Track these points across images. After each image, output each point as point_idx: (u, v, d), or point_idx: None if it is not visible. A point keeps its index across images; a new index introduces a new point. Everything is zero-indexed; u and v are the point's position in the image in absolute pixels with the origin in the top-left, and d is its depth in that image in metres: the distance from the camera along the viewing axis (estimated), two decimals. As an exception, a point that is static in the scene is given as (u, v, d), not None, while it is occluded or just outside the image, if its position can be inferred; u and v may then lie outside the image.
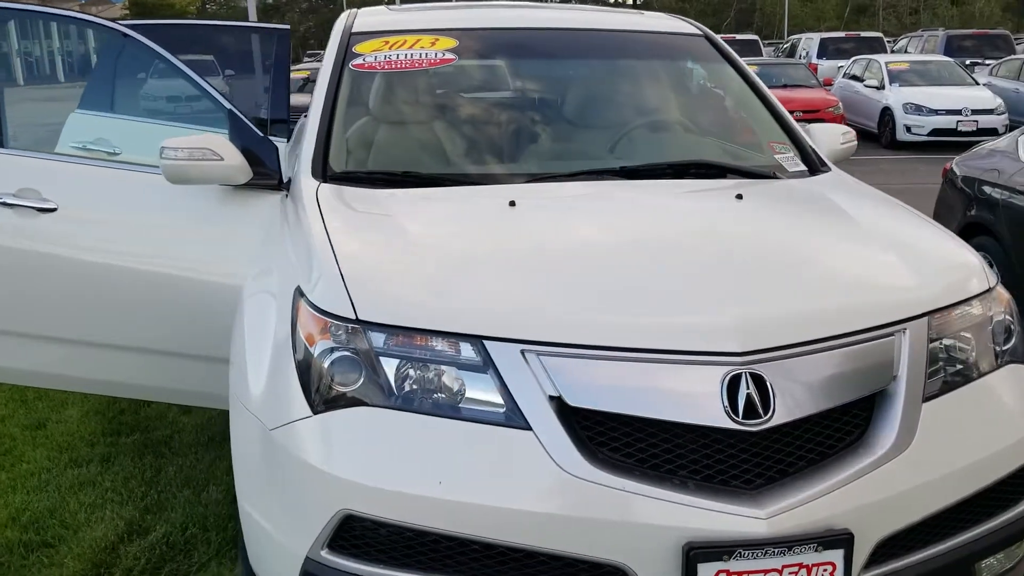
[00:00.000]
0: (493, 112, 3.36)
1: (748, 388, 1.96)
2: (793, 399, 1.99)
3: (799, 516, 1.92)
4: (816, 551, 1.91)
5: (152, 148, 3.63)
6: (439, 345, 2.08)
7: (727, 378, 1.97)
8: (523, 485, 1.96)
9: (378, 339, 2.10)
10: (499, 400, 2.01)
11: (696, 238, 2.49)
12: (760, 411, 1.95)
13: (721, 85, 3.67)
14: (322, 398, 2.10)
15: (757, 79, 3.58)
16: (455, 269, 2.28)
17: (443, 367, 2.06)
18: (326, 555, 2.05)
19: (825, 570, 1.93)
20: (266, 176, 3.17)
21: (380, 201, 2.74)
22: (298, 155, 3.10)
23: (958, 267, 2.42)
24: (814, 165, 3.23)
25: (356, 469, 2.02)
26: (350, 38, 3.40)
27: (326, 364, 2.11)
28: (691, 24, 3.79)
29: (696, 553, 1.87)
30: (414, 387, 2.07)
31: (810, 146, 3.32)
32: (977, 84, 16.08)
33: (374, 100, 3.36)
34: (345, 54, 3.34)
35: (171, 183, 3.06)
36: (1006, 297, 2.44)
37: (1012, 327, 2.39)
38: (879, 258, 2.39)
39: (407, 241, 2.44)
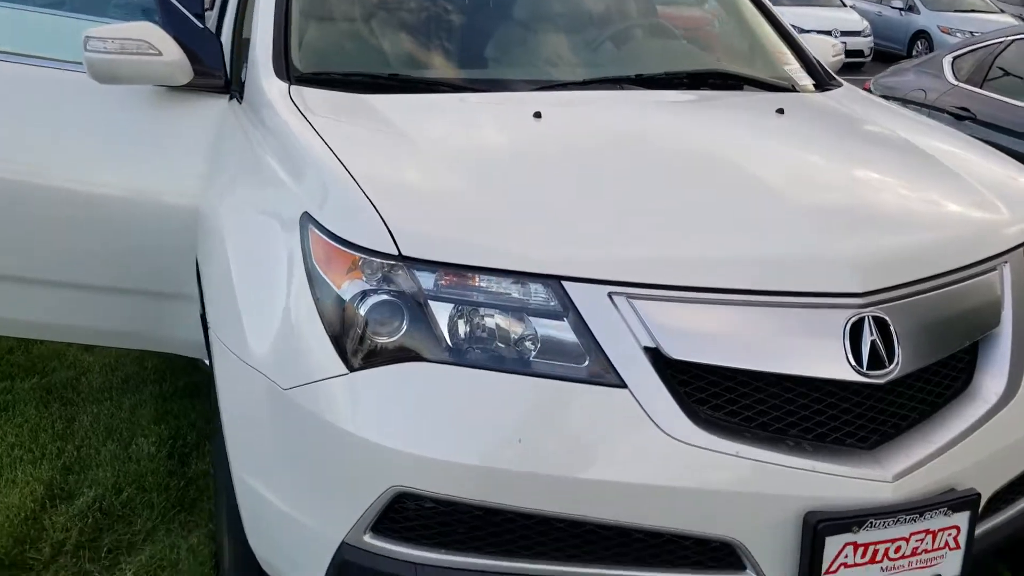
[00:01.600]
0: (487, 7, 2.91)
1: (872, 334, 1.71)
2: (914, 345, 1.75)
3: (924, 477, 1.70)
4: (945, 515, 1.71)
5: (48, 41, 3.03)
6: (504, 287, 1.71)
7: (849, 323, 1.70)
8: (618, 452, 1.65)
9: (427, 280, 1.72)
10: (581, 352, 1.68)
11: (768, 159, 2.17)
12: (885, 360, 1.71)
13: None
14: (358, 351, 1.71)
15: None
16: (511, 194, 1.89)
17: (509, 313, 1.71)
18: (370, 540, 1.70)
19: (950, 534, 1.73)
20: (209, 76, 2.66)
21: (376, 108, 2.30)
22: (250, 53, 2.60)
23: None
24: (820, 79, 2.99)
25: (408, 437, 1.66)
26: None
27: (361, 311, 1.72)
28: None
29: (824, 525, 1.63)
30: (473, 337, 1.70)
31: (815, 59, 3.07)
32: (844, 6, 16.34)
33: None
34: None
35: (96, 81, 2.52)
36: None
37: None
38: (958, 185, 2.16)
39: (434, 158, 2.03)
